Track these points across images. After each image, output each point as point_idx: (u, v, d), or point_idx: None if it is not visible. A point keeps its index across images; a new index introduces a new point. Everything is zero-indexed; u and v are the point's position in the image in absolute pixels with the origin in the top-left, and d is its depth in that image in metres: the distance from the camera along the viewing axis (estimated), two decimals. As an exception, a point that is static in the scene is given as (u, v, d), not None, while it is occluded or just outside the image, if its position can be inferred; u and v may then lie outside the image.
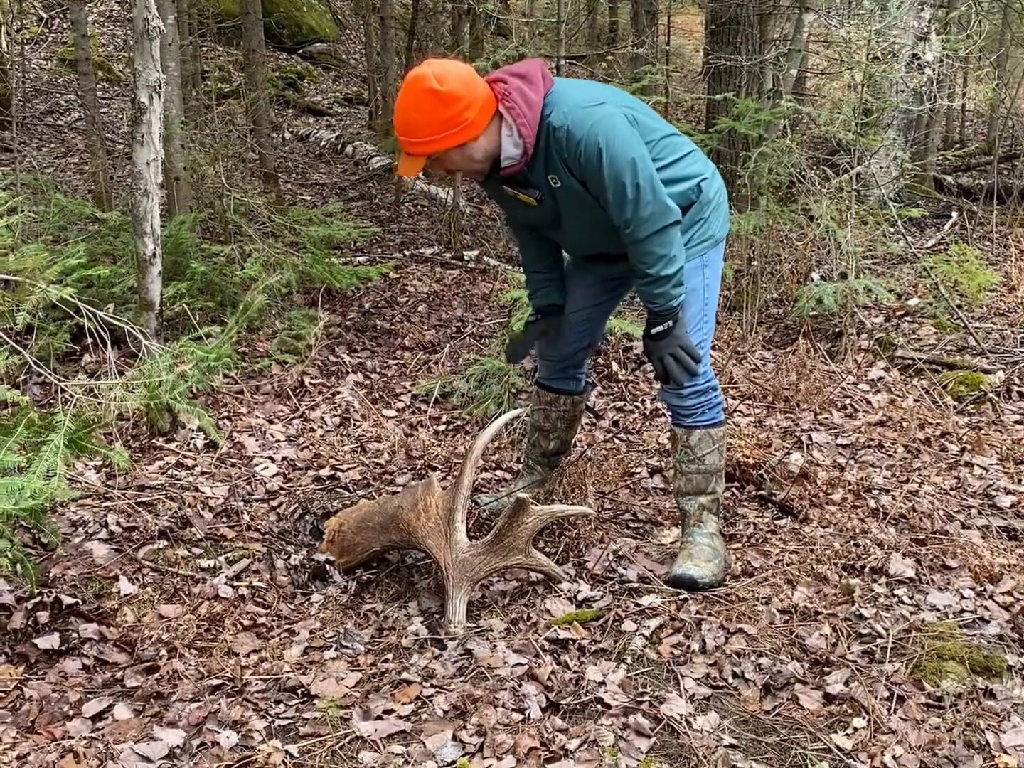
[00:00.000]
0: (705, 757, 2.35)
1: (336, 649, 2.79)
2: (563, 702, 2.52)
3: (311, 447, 4.13)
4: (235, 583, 3.09)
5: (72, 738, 2.38)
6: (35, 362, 2.83)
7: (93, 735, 2.40)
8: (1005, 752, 2.37)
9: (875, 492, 3.68)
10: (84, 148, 8.71)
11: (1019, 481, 3.78)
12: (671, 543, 3.34)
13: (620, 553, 3.25)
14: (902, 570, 3.14)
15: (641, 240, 2.82)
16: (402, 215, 8.25)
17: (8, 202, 2.83)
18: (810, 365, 4.79)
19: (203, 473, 3.83)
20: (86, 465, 3.74)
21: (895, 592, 3.03)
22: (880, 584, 3.07)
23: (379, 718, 2.48)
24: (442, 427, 4.45)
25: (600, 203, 2.83)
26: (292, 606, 3.04)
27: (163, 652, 2.73)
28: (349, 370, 5.02)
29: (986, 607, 2.95)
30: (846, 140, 5.32)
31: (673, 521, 3.47)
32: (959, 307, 5.59)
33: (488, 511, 3.44)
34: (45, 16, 12.53)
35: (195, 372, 2.79)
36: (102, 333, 2.86)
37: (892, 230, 6.27)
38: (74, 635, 2.75)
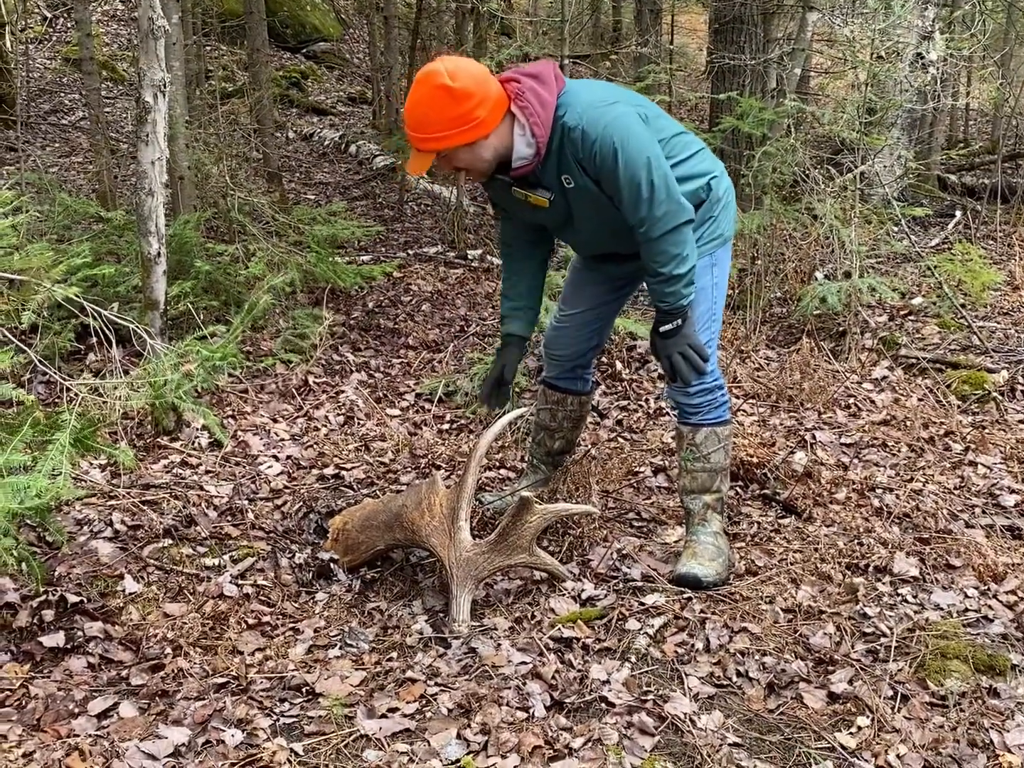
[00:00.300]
0: (709, 756, 2.35)
1: (340, 648, 2.80)
2: (567, 701, 2.52)
3: (315, 446, 4.13)
4: (240, 582, 3.10)
5: (78, 736, 2.39)
6: (40, 361, 2.84)
7: (98, 733, 2.41)
8: (1009, 751, 2.37)
9: (879, 491, 3.68)
10: (88, 147, 8.72)
11: (1023, 480, 3.78)
12: (675, 542, 3.35)
13: (624, 552, 3.26)
14: (906, 569, 3.14)
15: (655, 239, 2.81)
16: (406, 214, 8.26)
17: (13, 201, 2.83)
18: (814, 364, 4.79)
19: (208, 472, 3.84)
20: (91, 464, 3.75)
21: (899, 591, 3.03)
22: (884, 583, 3.07)
23: (383, 716, 2.48)
24: (446, 426, 4.45)
25: (614, 203, 2.82)
26: (296, 605, 3.04)
27: (168, 650, 2.74)
28: (353, 369, 5.02)
29: (990, 606, 2.95)
30: (850, 139, 5.32)
31: (677, 520, 3.47)
32: (963, 306, 5.59)
33: (492, 510, 3.45)
34: (49, 16, 12.55)
35: (200, 371, 2.79)
36: (107, 332, 2.86)
37: (896, 229, 6.27)
38: (79, 633, 2.76)
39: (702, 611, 2.92)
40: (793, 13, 7.84)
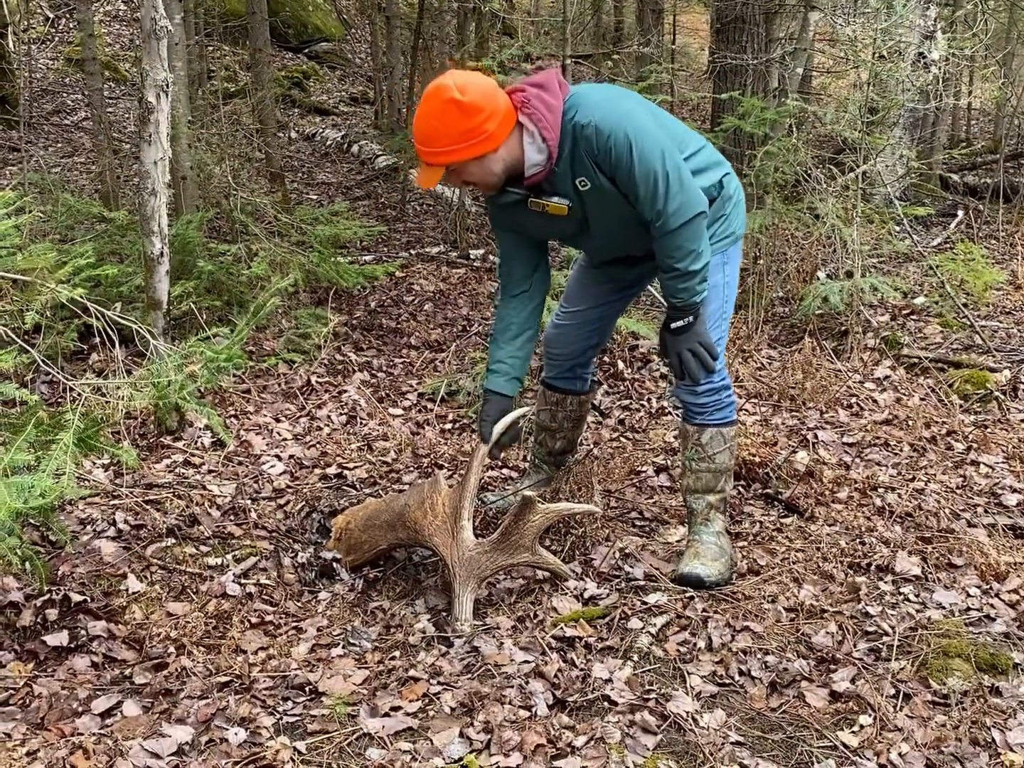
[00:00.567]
0: (711, 754, 2.35)
1: (343, 647, 2.80)
2: (570, 699, 2.53)
3: (318, 445, 4.14)
4: (243, 581, 3.10)
5: (81, 735, 2.39)
6: (44, 361, 2.84)
7: (102, 732, 2.41)
8: (1011, 749, 2.37)
9: (881, 490, 3.68)
10: (91, 148, 8.73)
11: (1025, 479, 3.78)
12: (677, 541, 3.35)
13: (626, 551, 3.26)
14: (908, 568, 3.14)
15: (671, 231, 2.80)
16: (408, 214, 8.27)
17: (16, 202, 2.83)
18: (816, 364, 4.79)
19: (210, 471, 3.85)
20: (94, 463, 3.76)
21: (901, 590, 3.03)
22: (886, 582, 3.08)
23: (386, 715, 2.49)
24: (448, 425, 4.46)
25: (629, 200, 2.81)
26: (299, 604, 3.05)
27: (171, 649, 2.74)
28: (355, 369, 5.03)
29: (992, 605, 2.95)
30: (852, 139, 5.32)
31: (679, 519, 3.47)
32: (965, 305, 5.59)
33: (494, 510, 3.45)
34: (51, 16, 12.56)
35: (204, 372, 2.80)
36: (110, 332, 2.87)
37: (898, 229, 6.27)
38: (83, 632, 2.77)
39: (704, 610, 2.93)
40: (795, 13, 7.83)
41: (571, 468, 3.61)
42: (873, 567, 3.16)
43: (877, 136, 5.43)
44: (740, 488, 3.72)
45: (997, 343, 5.24)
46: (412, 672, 2.65)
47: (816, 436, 4.16)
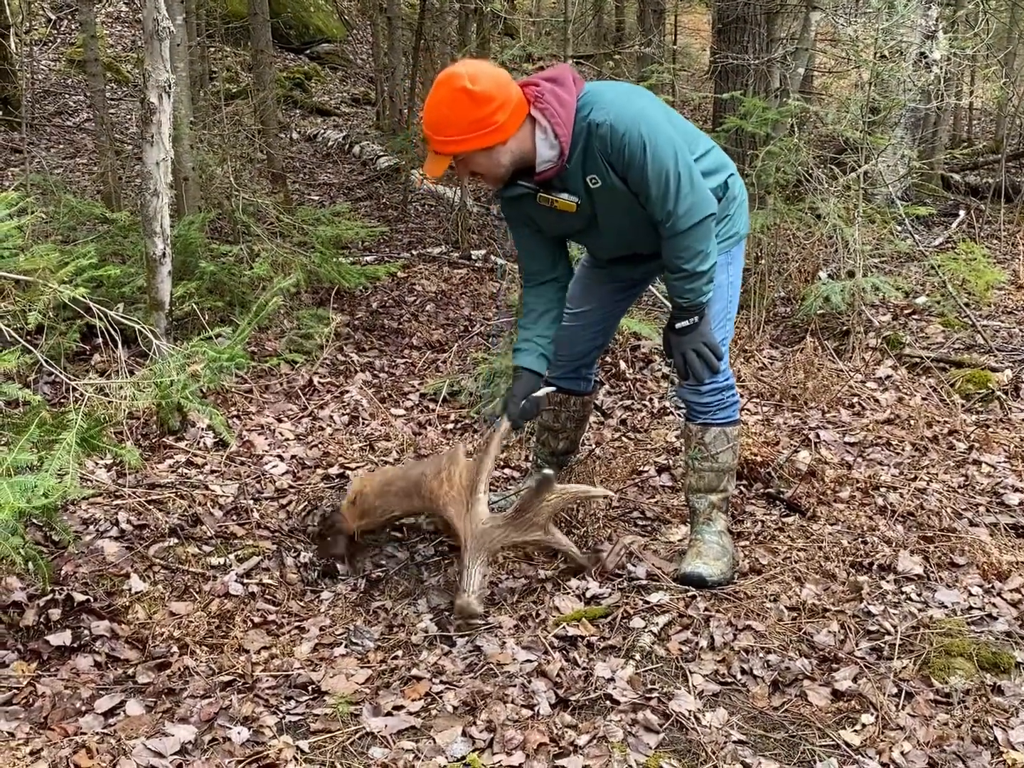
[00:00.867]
0: (714, 753, 2.36)
1: (346, 646, 2.81)
2: (572, 698, 2.53)
3: (320, 446, 4.14)
4: (245, 580, 3.11)
5: (84, 734, 2.40)
6: (46, 361, 2.85)
7: (105, 731, 2.42)
8: (1013, 748, 2.37)
9: (883, 490, 3.68)
10: (93, 149, 8.75)
11: (1027, 479, 3.78)
12: (679, 540, 3.35)
13: (629, 550, 3.26)
14: (910, 567, 3.14)
15: (681, 232, 2.80)
16: (409, 215, 8.27)
17: (18, 203, 2.84)
18: (818, 363, 4.80)
19: (213, 471, 3.85)
20: (97, 463, 3.76)
21: (903, 589, 3.04)
22: (888, 581, 3.08)
23: (389, 714, 2.49)
24: (450, 426, 4.46)
25: (640, 200, 2.81)
26: (302, 603, 3.05)
27: (174, 649, 2.75)
28: (357, 369, 5.04)
29: (994, 604, 2.95)
30: (853, 139, 5.32)
31: (681, 519, 3.48)
32: (967, 305, 5.59)
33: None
34: (53, 17, 12.57)
35: (207, 372, 2.80)
36: (112, 333, 2.87)
37: (900, 228, 6.26)
38: (86, 632, 2.77)
39: (706, 609, 2.93)
40: (796, 13, 7.84)
41: (573, 468, 3.62)
42: (875, 566, 3.16)
43: (879, 136, 5.43)
44: (742, 487, 3.73)
45: (999, 343, 5.24)
46: (415, 671, 2.65)
47: (818, 436, 4.16)
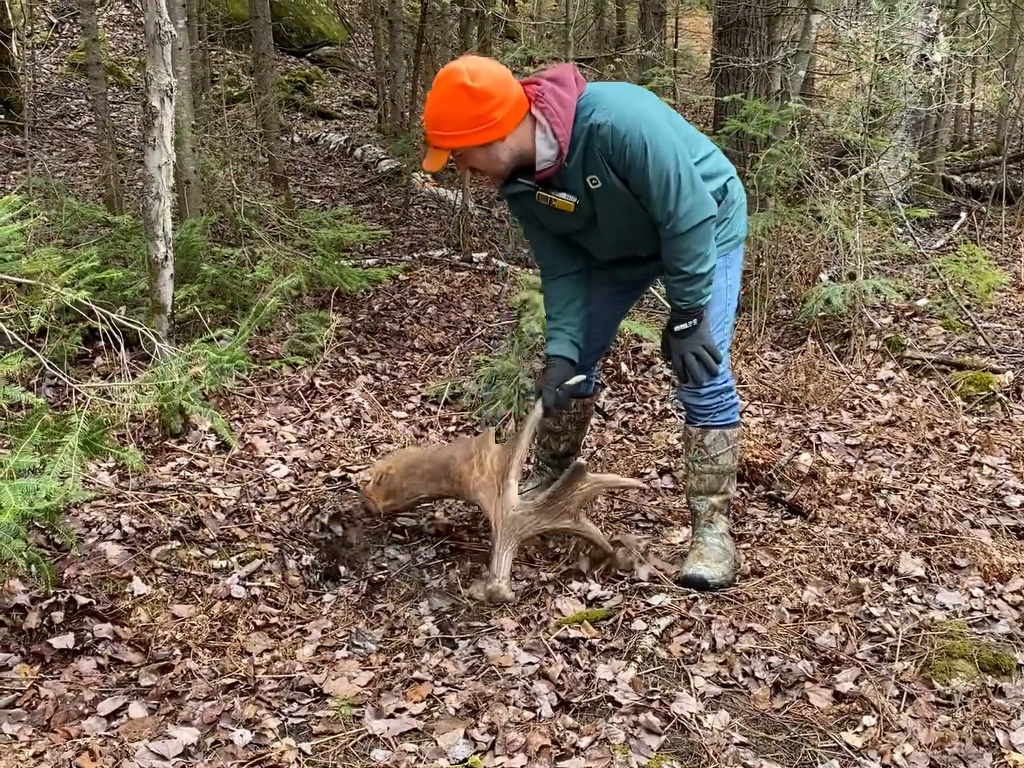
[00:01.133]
0: (715, 755, 2.36)
1: (348, 648, 2.81)
2: (574, 700, 2.54)
3: (322, 448, 4.15)
4: (247, 583, 3.11)
5: (87, 736, 2.40)
6: (49, 364, 2.85)
7: (108, 733, 2.42)
8: (1015, 750, 2.37)
9: (884, 492, 3.69)
10: (95, 152, 8.75)
11: (1029, 481, 3.78)
12: (681, 543, 3.36)
13: (642, 551, 3.26)
14: (911, 569, 3.14)
15: (681, 234, 2.81)
16: (411, 217, 8.28)
17: (21, 206, 2.84)
18: (819, 366, 4.80)
19: (215, 474, 3.86)
20: (99, 466, 3.77)
21: (905, 591, 3.04)
22: (890, 583, 3.08)
23: (391, 716, 2.50)
24: (452, 428, 4.47)
25: (640, 201, 2.82)
26: (304, 606, 3.06)
27: (177, 651, 2.76)
28: (359, 372, 5.04)
29: (995, 606, 2.96)
30: (854, 141, 5.33)
31: (683, 521, 3.48)
32: (968, 307, 5.59)
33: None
34: (55, 21, 12.60)
35: (208, 374, 2.80)
36: (114, 336, 2.88)
37: (901, 231, 6.26)
38: (88, 635, 2.78)
39: (708, 611, 2.93)
40: (797, 15, 7.85)
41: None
42: (876, 568, 3.16)
43: (879, 138, 5.44)
44: (743, 490, 3.73)
45: (1000, 345, 5.24)
46: (416, 674, 2.66)
47: (819, 438, 4.16)
